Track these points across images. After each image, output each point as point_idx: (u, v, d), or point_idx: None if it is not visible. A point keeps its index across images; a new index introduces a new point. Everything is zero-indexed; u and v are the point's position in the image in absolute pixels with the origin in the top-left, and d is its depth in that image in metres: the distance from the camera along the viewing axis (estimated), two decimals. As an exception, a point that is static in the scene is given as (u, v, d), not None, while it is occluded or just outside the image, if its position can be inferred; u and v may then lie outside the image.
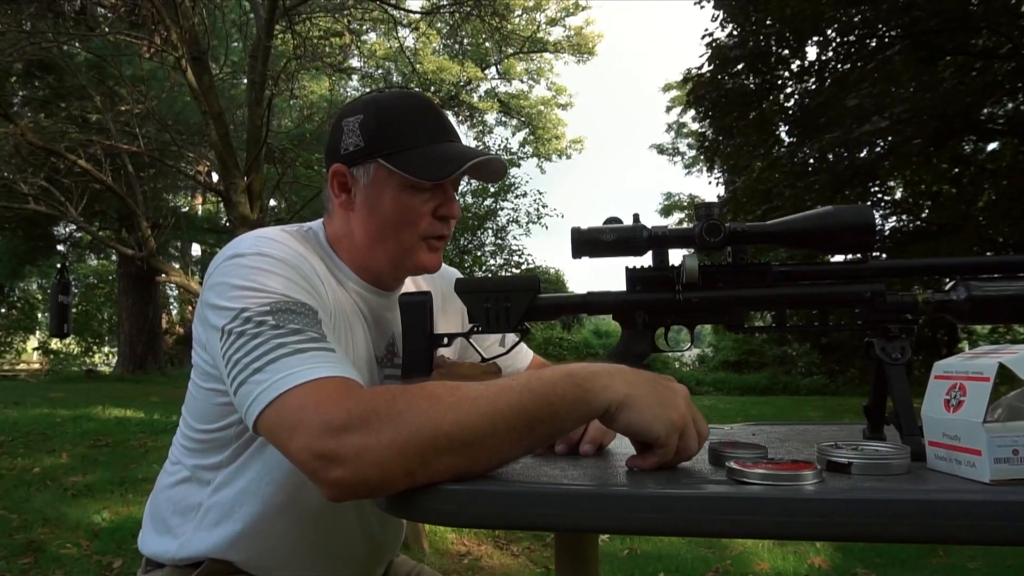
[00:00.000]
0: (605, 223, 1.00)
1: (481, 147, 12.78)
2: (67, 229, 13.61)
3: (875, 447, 0.80)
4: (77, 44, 8.13)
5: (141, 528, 1.08)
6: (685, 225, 0.98)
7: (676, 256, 0.98)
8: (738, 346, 19.16)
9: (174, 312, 20.55)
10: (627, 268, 0.99)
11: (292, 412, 0.74)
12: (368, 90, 17.54)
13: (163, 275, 7.76)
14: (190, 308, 17.53)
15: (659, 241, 0.96)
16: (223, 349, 0.83)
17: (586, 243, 0.97)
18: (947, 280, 0.94)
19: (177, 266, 16.26)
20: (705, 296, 0.95)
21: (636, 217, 0.99)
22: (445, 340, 1.01)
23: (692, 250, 0.96)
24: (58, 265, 11.69)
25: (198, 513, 0.99)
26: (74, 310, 13.16)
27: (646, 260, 0.98)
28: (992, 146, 9.42)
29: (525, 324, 0.99)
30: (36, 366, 20.49)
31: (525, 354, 1.23)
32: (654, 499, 0.69)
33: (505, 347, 1.17)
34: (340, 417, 0.71)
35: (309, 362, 0.78)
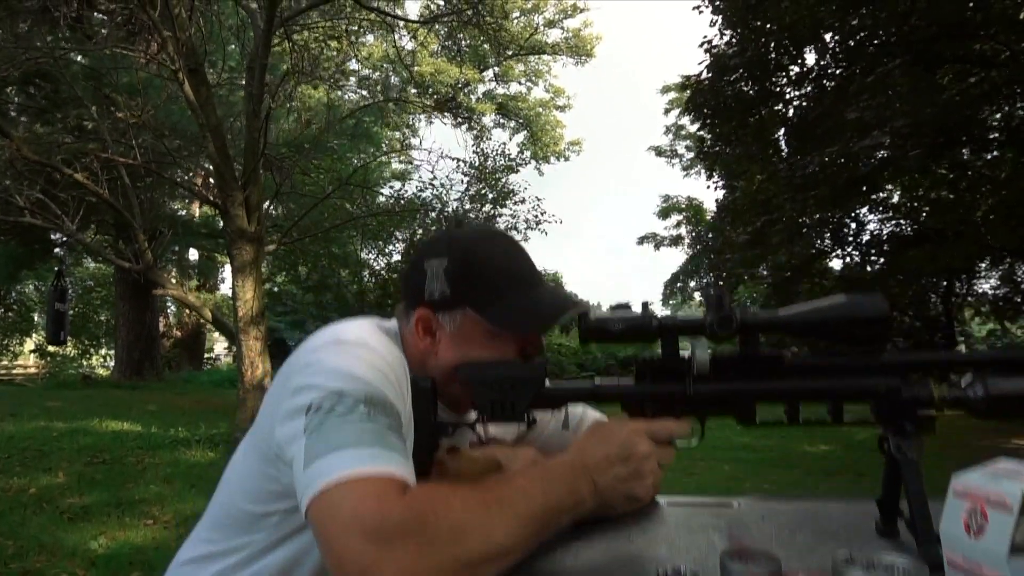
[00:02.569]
0: (613, 309, 0.98)
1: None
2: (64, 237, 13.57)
3: (891, 562, 0.78)
4: (73, 54, 8.08)
5: None
6: (694, 312, 0.96)
7: (685, 340, 0.96)
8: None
9: (171, 315, 20.49)
10: (637, 360, 0.97)
11: (352, 503, 0.73)
12: (366, 94, 17.49)
13: (160, 288, 7.71)
14: (187, 312, 17.45)
15: (668, 331, 0.94)
16: (306, 423, 0.80)
17: (594, 331, 0.94)
18: (963, 375, 0.92)
19: (174, 271, 16.23)
20: (715, 389, 0.93)
21: (645, 306, 0.97)
22: (450, 430, 0.99)
23: (701, 339, 0.94)
24: (55, 270, 11.64)
25: None
26: (71, 312, 13.09)
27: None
28: (992, 155, 9.43)
29: (532, 415, 0.96)
30: (33, 370, 20.43)
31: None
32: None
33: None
34: (395, 519, 0.71)
35: (384, 457, 0.77)
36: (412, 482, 0.78)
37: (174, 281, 13.32)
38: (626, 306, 0.98)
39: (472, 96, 21.26)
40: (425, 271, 0.98)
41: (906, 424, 0.90)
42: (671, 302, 22.76)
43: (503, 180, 13.15)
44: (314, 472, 0.77)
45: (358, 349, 0.89)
